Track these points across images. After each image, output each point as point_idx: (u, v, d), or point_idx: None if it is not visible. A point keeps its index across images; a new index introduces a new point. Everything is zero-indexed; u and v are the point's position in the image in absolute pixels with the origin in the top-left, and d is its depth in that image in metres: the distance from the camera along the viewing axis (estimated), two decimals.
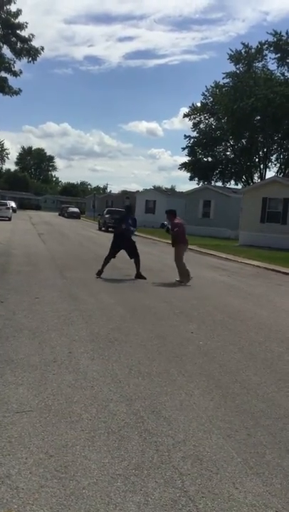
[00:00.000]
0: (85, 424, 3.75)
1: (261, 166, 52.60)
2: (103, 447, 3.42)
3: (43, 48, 17.77)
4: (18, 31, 17.36)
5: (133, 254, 12.39)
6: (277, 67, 48.36)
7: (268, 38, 49.18)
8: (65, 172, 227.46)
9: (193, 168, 54.27)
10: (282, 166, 50.84)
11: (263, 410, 4.33)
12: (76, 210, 66.73)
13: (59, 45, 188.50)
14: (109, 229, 35.14)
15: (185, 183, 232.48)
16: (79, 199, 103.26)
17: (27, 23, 17.31)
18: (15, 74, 18.04)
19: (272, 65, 52.57)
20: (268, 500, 2.95)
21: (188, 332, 7.00)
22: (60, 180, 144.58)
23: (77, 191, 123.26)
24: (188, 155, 54.86)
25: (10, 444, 3.37)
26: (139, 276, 12.09)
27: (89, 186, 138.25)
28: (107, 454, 3.32)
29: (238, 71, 49.80)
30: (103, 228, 36.20)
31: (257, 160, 52.93)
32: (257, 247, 25.42)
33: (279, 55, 47.41)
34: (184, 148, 54.88)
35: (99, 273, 11.79)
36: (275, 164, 52.93)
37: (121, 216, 13.60)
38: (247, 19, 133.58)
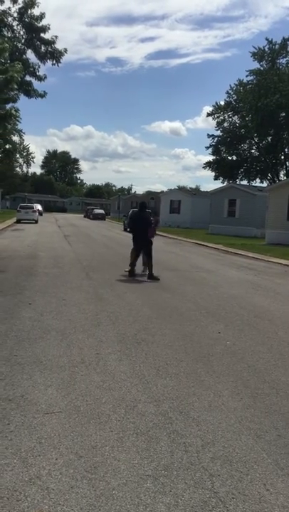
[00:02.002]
0: (113, 425, 3.76)
1: (287, 163, 51.99)
2: (132, 448, 3.42)
3: (66, 50, 17.90)
4: (41, 34, 17.52)
5: (147, 254, 12.45)
6: None
7: None
8: (90, 174, 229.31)
9: (218, 167, 53.95)
10: None
11: None
12: (101, 211, 67.07)
13: (81, 48, 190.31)
14: None
15: (209, 183, 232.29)
16: (104, 200, 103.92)
17: (49, 25, 17.46)
18: (40, 78, 18.23)
19: None
20: None
21: (216, 332, 6.96)
22: (84, 182, 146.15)
23: (101, 193, 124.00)
24: (213, 154, 54.57)
25: (40, 444, 3.40)
26: (151, 277, 11.86)
27: (113, 188, 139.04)
28: (136, 455, 3.32)
29: (261, 68, 49.35)
30: (128, 229, 36.21)
31: (283, 157, 52.32)
32: (284, 246, 25.10)
33: None
34: (207, 147, 54.63)
35: (131, 273, 12.13)
36: None
37: (136, 214, 13.26)
38: (269, 15, 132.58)
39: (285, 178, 47.73)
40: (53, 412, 3.95)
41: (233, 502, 2.85)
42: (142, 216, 12.79)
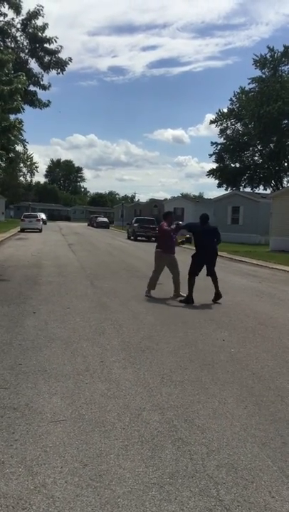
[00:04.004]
0: (118, 433, 3.77)
1: None
2: (137, 456, 3.42)
3: (71, 59, 18.02)
4: (45, 44, 17.64)
5: (212, 272, 10.67)
6: None
7: None
8: (93, 182, 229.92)
9: (221, 174, 54.07)
10: None
11: None
12: (105, 219, 67.16)
13: (83, 58, 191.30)
14: (138, 238, 35.30)
15: (213, 190, 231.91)
16: (107, 209, 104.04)
17: (57, 38, 17.58)
18: (44, 87, 18.33)
19: None
20: None
21: (220, 339, 6.95)
22: (88, 190, 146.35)
23: (105, 201, 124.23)
24: (216, 161, 54.72)
25: (45, 453, 3.41)
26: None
27: (117, 196, 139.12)
28: (141, 463, 3.33)
29: (263, 75, 49.56)
30: (132, 237, 36.34)
31: (286, 164, 52.38)
32: (288, 253, 25.07)
33: None
34: (211, 155, 54.79)
35: (187, 299, 10.11)
36: None
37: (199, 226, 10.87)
38: (270, 22, 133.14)
39: (288, 184, 47.75)
40: (57, 420, 3.96)
41: (239, 510, 2.85)
42: (207, 229, 10.79)
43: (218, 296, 10.28)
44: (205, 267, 10.57)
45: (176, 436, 3.76)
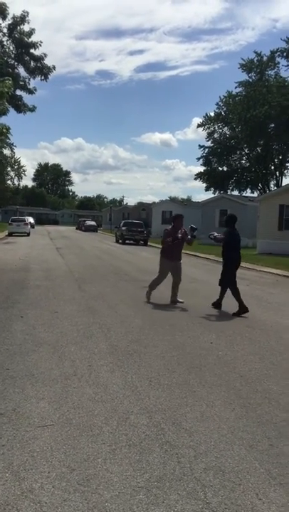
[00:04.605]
0: (106, 437, 3.76)
1: (277, 174, 52.51)
2: (125, 460, 3.42)
3: (54, 67, 18.09)
4: (31, 50, 17.67)
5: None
6: None
7: (279, 45, 49.44)
8: (81, 186, 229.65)
9: (209, 177, 54.36)
10: None
11: (285, 420, 4.28)
12: (93, 223, 67.14)
13: (71, 61, 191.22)
14: (126, 241, 35.30)
15: (201, 193, 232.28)
16: (96, 212, 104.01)
17: (41, 42, 17.63)
18: (30, 91, 18.35)
19: (285, 72, 52.82)
20: None
21: (208, 342, 6.97)
22: (76, 194, 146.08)
23: (93, 205, 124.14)
24: (204, 165, 55.02)
25: (32, 458, 3.39)
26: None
27: (105, 199, 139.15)
28: (128, 467, 3.32)
29: (250, 79, 49.98)
30: (120, 241, 36.33)
31: (273, 167, 52.82)
32: (275, 255, 25.23)
33: None
34: (198, 158, 55.08)
35: (217, 304, 9.90)
36: None
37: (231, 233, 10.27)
38: (256, 27, 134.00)
39: (275, 188, 48.09)
40: (45, 425, 3.94)
41: None
42: (238, 233, 10.38)
43: (243, 308, 9.33)
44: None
45: (164, 440, 3.76)
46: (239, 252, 10.10)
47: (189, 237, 10.66)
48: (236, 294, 9.55)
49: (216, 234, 10.68)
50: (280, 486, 3.17)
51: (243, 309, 9.25)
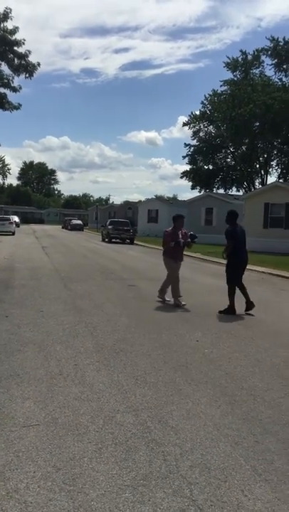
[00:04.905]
0: (92, 436, 3.75)
1: (262, 172, 52.77)
2: (111, 458, 3.41)
3: (39, 64, 17.98)
4: (15, 48, 17.54)
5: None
6: (275, 72, 48.83)
7: (264, 44, 49.85)
8: (67, 185, 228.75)
9: (195, 176, 54.49)
10: (284, 171, 50.95)
11: (270, 417, 4.31)
12: (79, 222, 66.94)
13: (55, 59, 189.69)
14: (113, 240, 35.27)
15: (187, 192, 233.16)
16: (82, 211, 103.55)
17: (24, 40, 17.52)
18: (14, 90, 18.21)
19: (270, 71, 53.11)
20: (278, 506, 2.93)
21: (194, 340, 6.99)
22: (62, 193, 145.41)
23: (79, 203, 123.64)
24: (189, 163, 55.14)
25: (17, 458, 3.37)
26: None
27: (91, 198, 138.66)
28: (114, 465, 3.32)
29: (235, 78, 50.17)
30: (106, 239, 36.28)
31: (258, 166, 53.09)
32: (260, 253, 25.38)
33: (276, 60, 47.78)
34: (184, 157, 55.18)
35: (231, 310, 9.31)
36: (276, 170, 53.17)
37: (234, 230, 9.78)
38: (241, 26, 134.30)
39: (260, 186, 48.36)
40: (30, 425, 3.92)
41: (212, 509, 2.87)
42: (241, 230, 9.98)
43: (250, 305, 9.36)
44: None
45: (150, 438, 3.77)
46: (243, 251, 9.68)
47: (189, 240, 10.49)
48: (233, 298, 9.40)
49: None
50: (265, 483, 3.19)
51: (250, 305, 9.35)
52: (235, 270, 9.60)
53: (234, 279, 9.56)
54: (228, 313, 9.16)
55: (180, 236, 10.31)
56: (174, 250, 10.31)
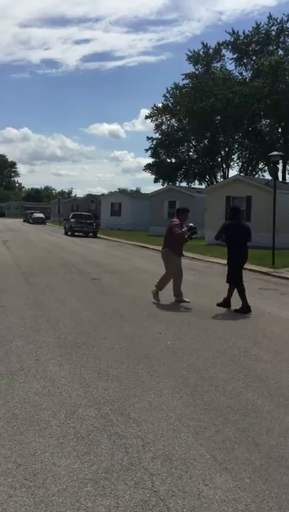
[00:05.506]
0: (53, 431, 3.72)
1: (224, 166, 53.39)
2: (72, 453, 3.40)
3: None
4: None
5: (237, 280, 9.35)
6: (235, 67, 49.34)
7: (225, 38, 50.17)
8: (29, 178, 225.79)
9: (157, 169, 54.62)
10: (245, 165, 51.66)
11: (231, 406, 4.38)
12: (41, 215, 66.17)
13: (15, 50, 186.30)
14: (76, 233, 35.01)
15: (150, 185, 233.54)
16: (44, 204, 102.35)
17: None
18: None
19: (230, 65, 53.61)
20: (238, 495, 2.98)
21: (157, 333, 7.02)
22: (23, 186, 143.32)
23: (41, 197, 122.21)
24: (152, 156, 55.22)
25: None
26: (245, 309, 8.93)
27: (53, 191, 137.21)
28: (76, 460, 3.30)
29: (196, 72, 50.44)
30: (69, 233, 35.99)
31: (219, 159, 53.65)
32: (223, 246, 25.66)
33: (236, 55, 48.29)
34: (147, 150, 55.20)
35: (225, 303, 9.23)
36: (237, 163, 53.89)
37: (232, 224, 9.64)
38: (202, 19, 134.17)
39: (222, 179, 48.89)
40: None
41: (173, 499, 2.89)
42: (241, 227, 9.64)
43: (246, 308, 8.87)
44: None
45: (112, 431, 3.76)
46: (238, 247, 9.38)
47: (189, 233, 10.00)
48: (239, 292, 9.09)
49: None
50: (225, 471, 3.24)
51: (245, 309, 8.82)
52: (234, 268, 9.41)
53: (231, 277, 9.35)
54: (244, 312, 8.75)
55: (185, 229, 9.86)
56: (178, 245, 9.89)
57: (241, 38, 47.82)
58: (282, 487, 3.07)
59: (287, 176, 47.03)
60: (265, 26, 47.13)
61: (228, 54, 50.15)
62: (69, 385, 4.75)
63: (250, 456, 3.46)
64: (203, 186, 50.16)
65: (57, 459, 3.30)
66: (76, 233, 35.17)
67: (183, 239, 9.83)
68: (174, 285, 9.80)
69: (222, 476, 3.18)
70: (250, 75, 48.51)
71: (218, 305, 9.14)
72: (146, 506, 2.81)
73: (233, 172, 52.12)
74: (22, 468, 3.17)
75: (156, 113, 54.18)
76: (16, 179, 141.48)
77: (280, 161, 28.64)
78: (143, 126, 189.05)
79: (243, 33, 47.68)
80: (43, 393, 4.50)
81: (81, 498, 2.86)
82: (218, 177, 53.08)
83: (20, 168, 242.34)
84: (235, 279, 9.27)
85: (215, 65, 50.87)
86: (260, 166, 51.53)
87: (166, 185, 50.16)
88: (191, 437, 3.72)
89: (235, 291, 9.24)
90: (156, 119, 54.35)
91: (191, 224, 10.02)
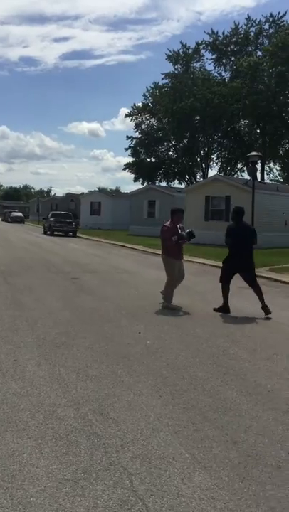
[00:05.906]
0: (32, 432, 3.70)
1: (203, 165, 53.62)
2: (51, 453, 3.38)
3: None
4: None
5: (251, 281, 9.12)
6: (214, 67, 49.59)
7: (204, 37, 50.37)
8: (7, 176, 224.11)
9: (137, 168, 54.60)
10: (224, 165, 51.99)
11: (209, 405, 4.40)
12: (20, 214, 65.67)
13: None
14: (55, 232, 34.81)
15: (130, 184, 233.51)
16: (22, 203, 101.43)
17: None
18: None
19: (210, 66, 53.87)
20: (216, 493, 3.00)
21: (136, 332, 7.02)
22: (1, 184, 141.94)
23: (20, 195, 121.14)
24: (132, 155, 55.16)
25: None
26: (265, 309, 8.64)
27: (32, 190, 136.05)
28: (55, 460, 3.29)
29: (176, 71, 50.57)
30: (48, 232, 35.76)
31: (199, 159, 53.87)
32: (203, 245, 25.80)
33: (216, 55, 48.55)
34: (126, 149, 55.13)
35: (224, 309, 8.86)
36: (217, 163, 54.18)
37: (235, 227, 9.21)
38: (181, 19, 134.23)
39: (201, 179, 49.12)
40: None
41: (152, 499, 2.90)
42: (242, 228, 9.26)
43: (266, 309, 8.57)
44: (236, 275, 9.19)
45: (91, 431, 3.75)
46: (243, 249, 9.07)
47: (186, 237, 9.64)
48: (224, 293, 8.98)
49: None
50: (204, 470, 3.26)
51: (224, 309, 8.78)
52: (227, 269, 9.25)
53: (223, 277, 9.20)
54: (223, 311, 8.71)
55: (179, 231, 9.55)
56: (176, 248, 9.54)
57: (220, 38, 48.10)
58: (260, 485, 3.10)
59: (265, 176, 47.52)
60: (244, 27, 47.51)
61: (207, 54, 50.31)
62: (48, 385, 4.72)
63: (229, 454, 3.49)
64: (182, 186, 50.29)
65: (35, 460, 3.28)
66: (55, 232, 34.98)
67: (177, 245, 9.49)
68: (166, 289, 9.40)
69: (201, 475, 3.19)
70: (229, 75, 48.84)
71: (216, 310, 8.85)
72: (125, 506, 2.81)
73: (212, 172, 52.40)
74: (0, 469, 3.14)
75: (135, 112, 54.16)
76: None
77: (259, 161, 28.83)
78: (123, 125, 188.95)
79: (223, 33, 47.98)
80: (21, 394, 4.47)
81: (60, 498, 2.85)
82: (198, 177, 53.33)
83: None
84: (224, 279, 9.12)
85: (194, 65, 51.11)
86: (239, 166, 51.93)
87: (145, 184, 50.16)
88: (170, 436, 3.73)
89: (234, 291, 9.10)
90: (136, 119, 54.34)
91: (189, 230, 9.83)
